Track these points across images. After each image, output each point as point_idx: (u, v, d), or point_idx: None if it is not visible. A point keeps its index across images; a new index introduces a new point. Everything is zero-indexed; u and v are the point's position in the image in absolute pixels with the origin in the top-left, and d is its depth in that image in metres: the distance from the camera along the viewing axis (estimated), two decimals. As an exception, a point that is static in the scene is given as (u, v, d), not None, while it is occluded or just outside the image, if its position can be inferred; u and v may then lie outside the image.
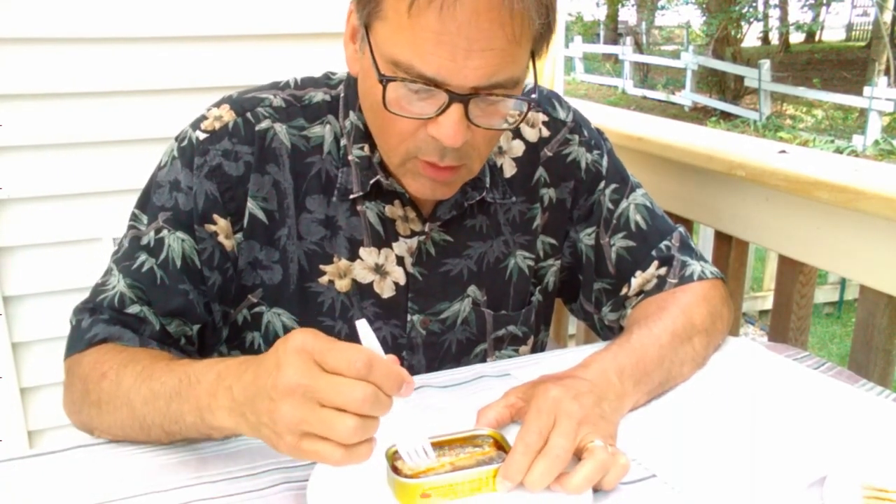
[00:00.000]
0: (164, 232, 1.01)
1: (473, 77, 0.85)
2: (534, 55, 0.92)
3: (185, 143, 1.03)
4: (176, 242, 1.01)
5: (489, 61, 0.85)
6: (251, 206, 1.02)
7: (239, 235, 1.03)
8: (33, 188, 1.84)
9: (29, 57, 1.77)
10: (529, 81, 0.94)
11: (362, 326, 0.75)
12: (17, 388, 1.89)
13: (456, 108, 0.87)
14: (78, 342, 0.98)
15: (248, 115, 1.03)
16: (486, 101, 0.89)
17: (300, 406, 0.68)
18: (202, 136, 1.02)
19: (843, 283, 5.58)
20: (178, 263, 1.00)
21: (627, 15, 22.56)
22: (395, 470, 0.77)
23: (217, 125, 1.02)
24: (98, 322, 0.98)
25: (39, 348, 1.90)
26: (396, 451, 0.80)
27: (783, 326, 1.58)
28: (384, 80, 0.87)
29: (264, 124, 1.03)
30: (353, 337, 1.06)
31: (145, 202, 1.04)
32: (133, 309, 0.99)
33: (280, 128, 1.04)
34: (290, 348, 0.70)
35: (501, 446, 0.82)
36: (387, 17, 0.86)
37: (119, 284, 1.00)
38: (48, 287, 1.87)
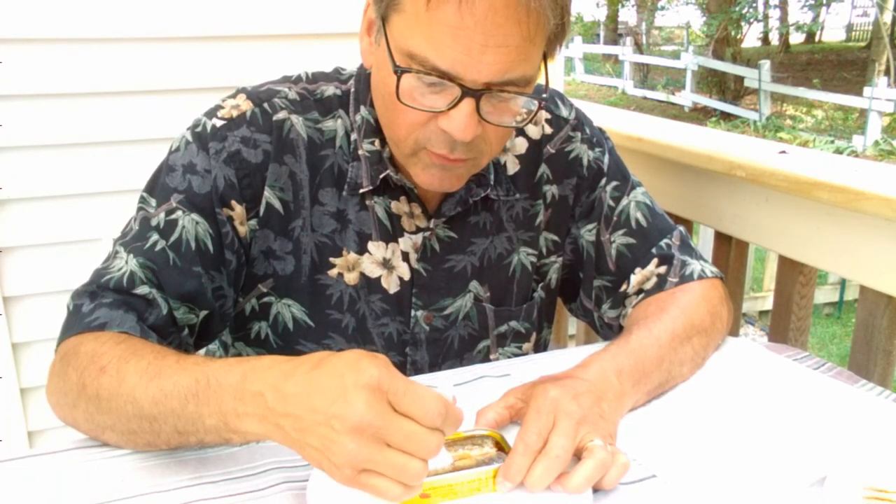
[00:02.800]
0: (178, 213, 0.99)
1: (487, 73, 0.86)
2: (545, 57, 0.93)
3: (200, 128, 1.02)
4: (190, 224, 0.99)
5: (503, 58, 0.86)
6: (268, 195, 1.02)
7: (253, 222, 1.03)
8: (33, 188, 1.83)
9: (29, 57, 1.76)
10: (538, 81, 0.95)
11: (443, 392, 0.72)
12: (17, 388, 1.89)
13: (467, 103, 0.88)
14: (75, 325, 0.93)
15: (266, 105, 1.03)
16: (498, 98, 0.90)
17: (367, 446, 0.66)
18: (219, 122, 1.02)
19: (843, 283, 5.58)
20: (193, 245, 0.99)
21: (627, 15, 22.56)
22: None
23: (235, 113, 1.02)
24: (101, 306, 0.93)
25: (39, 348, 1.90)
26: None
27: (783, 327, 1.58)
28: (399, 72, 0.88)
29: (281, 115, 1.04)
30: (359, 330, 1.07)
31: (154, 185, 1.02)
32: (142, 290, 0.95)
33: (297, 119, 1.04)
34: (362, 382, 0.67)
35: (501, 447, 0.82)
36: (404, 10, 0.87)
37: (128, 265, 0.96)
38: (48, 287, 1.87)
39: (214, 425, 0.77)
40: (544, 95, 0.95)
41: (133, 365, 0.84)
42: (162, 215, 0.99)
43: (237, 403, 0.74)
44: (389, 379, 0.67)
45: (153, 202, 1.01)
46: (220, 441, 0.81)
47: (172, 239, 0.98)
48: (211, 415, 0.76)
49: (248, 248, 1.04)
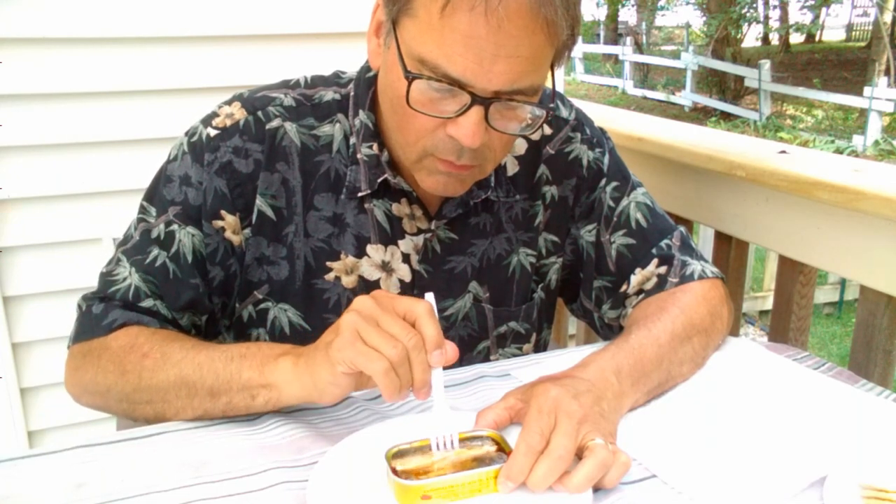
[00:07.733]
0: (175, 226, 1.03)
1: (497, 82, 0.86)
2: (553, 64, 0.93)
3: (195, 138, 1.04)
4: (187, 237, 1.02)
5: (514, 67, 0.86)
6: (260, 202, 1.04)
7: (247, 231, 1.04)
8: (33, 188, 1.84)
9: (29, 57, 1.77)
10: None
11: (429, 298, 0.84)
12: (17, 388, 1.89)
13: (476, 111, 0.88)
14: (95, 328, 0.99)
15: (259, 113, 1.04)
16: (506, 106, 0.90)
17: (364, 319, 0.80)
18: (213, 132, 1.03)
19: (843, 283, 5.58)
20: (189, 258, 1.03)
21: (627, 15, 22.56)
22: (395, 472, 0.77)
23: (228, 122, 1.03)
24: (113, 308, 1.00)
25: (39, 348, 1.90)
26: (396, 453, 0.80)
27: (783, 326, 1.58)
28: (409, 78, 0.88)
29: (275, 123, 1.04)
30: None
31: (154, 194, 1.05)
32: (147, 303, 1.02)
33: (290, 126, 1.05)
34: (371, 293, 0.83)
35: (501, 447, 0.82)
36: (417, 16, 0.87)
37: (131, 278, 1.02)
38: (48, 287, 1.87)
39: (248, 378, 0.88)
40: (552, 105, 0.95)
41: (178, 346, 0.94)
42: (161, 227, 1.03)
43: (280, 355, 0.87)
44: (389, 293, 0.86)
45: (153, 211, 1.04)
46: (245, 402, 0.90)
47: (172, 251, 1.03)
48: (251, 367, 0.88)
49: (242, 257, 1.06)
